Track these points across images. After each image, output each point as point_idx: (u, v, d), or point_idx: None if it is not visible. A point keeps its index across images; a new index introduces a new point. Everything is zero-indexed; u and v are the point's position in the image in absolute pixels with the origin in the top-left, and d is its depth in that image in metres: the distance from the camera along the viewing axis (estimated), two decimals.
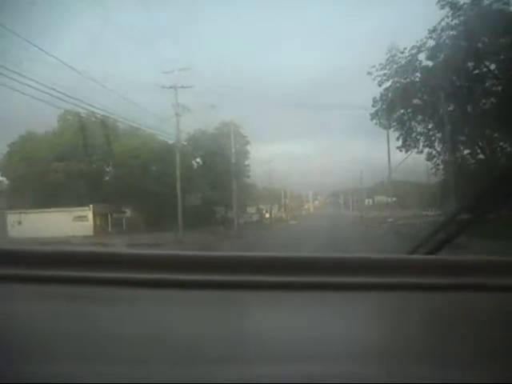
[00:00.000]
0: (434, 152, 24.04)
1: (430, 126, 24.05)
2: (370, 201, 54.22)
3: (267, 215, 51.80)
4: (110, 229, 27.54)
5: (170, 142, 31.11)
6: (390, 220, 32.02)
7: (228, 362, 0.76)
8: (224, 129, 36.20)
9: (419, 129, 24.42)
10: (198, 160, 36.09)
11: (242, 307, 1.10)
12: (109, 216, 28.24)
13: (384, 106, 24.09)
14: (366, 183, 51.44)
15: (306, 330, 0.91)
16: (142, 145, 31.15)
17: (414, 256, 1.51)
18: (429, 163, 24.73)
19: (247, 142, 37.17)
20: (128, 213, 31.60)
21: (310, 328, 0.92)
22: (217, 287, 1.09)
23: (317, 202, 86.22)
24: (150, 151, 30.90)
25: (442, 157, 23.59)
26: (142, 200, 29.36)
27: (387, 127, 25.49)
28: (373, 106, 24.33)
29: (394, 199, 45.25)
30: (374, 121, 24.69)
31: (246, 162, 37.47)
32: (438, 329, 0.95)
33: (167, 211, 27.66)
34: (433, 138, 24.04)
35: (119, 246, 18.41)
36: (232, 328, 0.95)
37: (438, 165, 23.97)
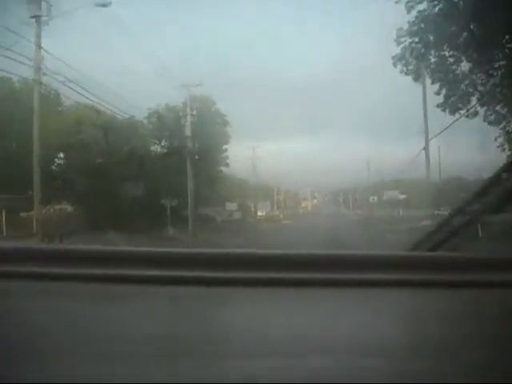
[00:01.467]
0: (499, 110, 14.73)
1: (489, 72, 14.59)
2: (375, 198, 47.09)
3: (259, 213, 45.23)
4: (4, 231, 19.95)
5: (120, 117, 23.75)
6: (425, 222, 23.41)
7: (226, 359, 0.76)
8: (195, 105, 28.72)
9: (473, 77, 15.13)
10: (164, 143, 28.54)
11: (239, 304, 1.08)
12: (3, 212, 20.59)
13: (414, 44, 14.84)
14: (369, 180, 44.72)
15: (305, 326, 0.91)
16: (84, 120, 23.74)
17: (416, 253, 1.59)
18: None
19: (226, 123, 29.66)
20: (68, 208, 24.40)
21: (309, 325, 0.92)
22: (214, 284, 1.09)
23: (316, 201, 79.68)
24: (93, 128, 23.43)
25: None
26: (81, 192, 21.96)
27: (422, 76, 16.39)
28: (396, 42, 15.26)
29: (404, 196, 39.01)
30: (399, 67, 15.82)
31: (225, 147, 29.97)
32: (439, 325, 0.94)
33: (114, 206, 20.35)
34: (497, 89, 14.57)
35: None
36: (229, 325, 0.95)
37: (510, 132, 14.81)
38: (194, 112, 27.79)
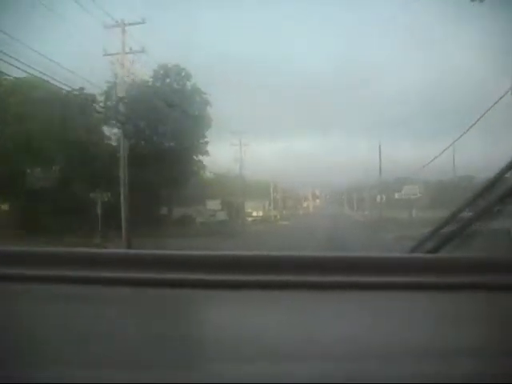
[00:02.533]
0: None
1: None
2: (383, 197, 41.92)
3: (254, 213, 40.29)
4: None
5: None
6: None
7: (224, 362, 0.76)
8: (167, 79, 23.25)
9: None
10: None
11: (241, 307, 1.07)
12: None
13: None
14: (373, 180, 40.56)
15: (306, 329, 0.91)
16: (15, 93, 18.37)
17: (415, 255, 1.53)
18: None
19: (207, 102, 24.24)
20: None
21: (310, 327, 0.92)
22: (217, 287, 1.09)
23: (318, 200, 74.81)
24: (31, 104, 18.02)
25: None
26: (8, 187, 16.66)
27: None
28: None
29: (419, 195, 34.08)
30: None
31: (205, 132, 24.47)
32: (438, 328, 0.93)
33: (36, 202, 14.99)
34: None
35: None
36: (230, 328, 0.94)
37: None
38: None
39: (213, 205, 26.98)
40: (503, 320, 0.96)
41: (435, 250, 1.53)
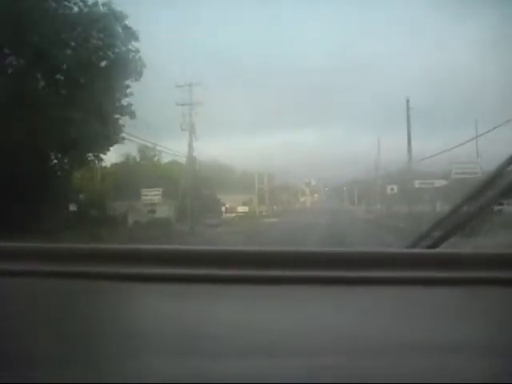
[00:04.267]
0: None
1: None
2: (395, 188, 33.34)
3: (240, 208, 32.40)
4: None
5: None
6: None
7: (229, 357, 0.77)
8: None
9: None
10: None
11: (241, 302, 1.08)
12: None
13: None
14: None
15: (306, 324, 0.92)
16: None
17: (415, 250, 1.53)
18: None
19: (132, 35, 15.41)
20: None
21: (310, 323, 0.93)
22: (215, 282, 1.10)
23: (316, 195, 66.42)
24: None
25: None
26: None
27: None
28: None
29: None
30: None
31: (127, 82, 15.56)
32: (439, 323, 0.94)
33: None
34: None
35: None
36: (229, 323, 0.95)
37: None
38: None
39: (150, 196, 18.08)
40: (503, 315, 0.96)
41: (435, 245, 1.53)
